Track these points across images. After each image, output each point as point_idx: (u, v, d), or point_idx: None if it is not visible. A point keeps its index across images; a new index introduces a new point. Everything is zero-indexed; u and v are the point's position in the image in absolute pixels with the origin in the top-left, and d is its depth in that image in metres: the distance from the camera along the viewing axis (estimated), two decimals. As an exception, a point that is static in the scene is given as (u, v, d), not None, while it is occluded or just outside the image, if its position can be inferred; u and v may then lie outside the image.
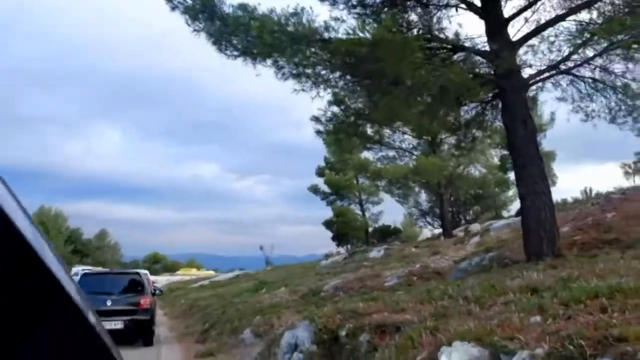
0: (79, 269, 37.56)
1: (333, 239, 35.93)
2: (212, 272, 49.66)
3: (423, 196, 31.60)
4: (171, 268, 56.25)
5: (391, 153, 24.14)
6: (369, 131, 21.19)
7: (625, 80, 11.48)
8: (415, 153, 24.30)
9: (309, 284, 16.66)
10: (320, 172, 34.94)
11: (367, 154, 26.89)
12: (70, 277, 0.80)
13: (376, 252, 21.24)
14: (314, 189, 34.77)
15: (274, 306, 13.73)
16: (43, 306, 0.77)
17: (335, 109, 12.16)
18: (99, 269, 21.96)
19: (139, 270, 16.78)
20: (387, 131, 22.68)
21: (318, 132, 13.24)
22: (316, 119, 12.79)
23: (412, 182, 26.79)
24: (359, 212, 34.93)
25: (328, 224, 35.02)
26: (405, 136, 23.70)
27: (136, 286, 14.01)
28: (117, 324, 12.92)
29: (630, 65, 11.09)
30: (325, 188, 34.54)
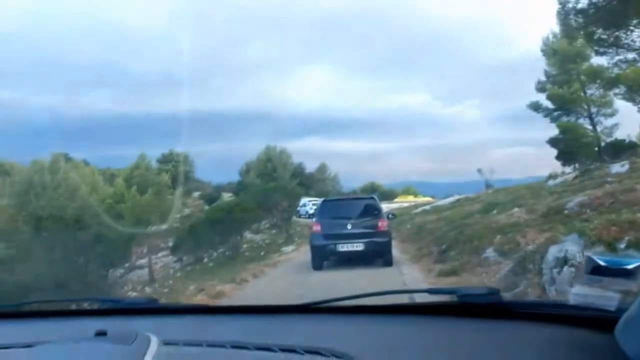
0: (306, 200, 40.77)
1: (558, 157, 33.39)
2: (429, 199, 49.86)
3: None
4: (388, 196, 57.78)
5: (630, 55, 21.21)
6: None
7: None
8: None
9: (546, 203, 15.69)
10: (541, 88, 32.26)
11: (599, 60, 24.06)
12: None
13: (619, 167, 19.21)
14: (535, 106, 32.30)
15: (512, 225, 13.26)
16: None
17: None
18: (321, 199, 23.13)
19: (373, 195, 17.30)
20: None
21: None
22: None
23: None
24: (589, 127, 31.76)
25: (554, 142, 32.49)
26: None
27: (373, 210, 14.44)
28: (358, 246, 13.59)
29: None
30: (547, 104, 31.96)
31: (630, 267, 1.26)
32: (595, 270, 1.30)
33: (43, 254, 18.05)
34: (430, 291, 1.85)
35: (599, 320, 1.31)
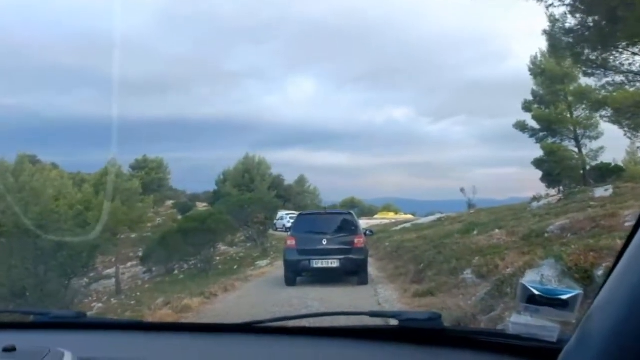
0: (283, 213, 40.04)
1: (542, 179, 33.12)
2: (410, 216, 49.44)
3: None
4: (368, 212, 57.35)
5: (618, 78, 20.87)
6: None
7: None
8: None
9: (528, 226, 15.30)
10: (527, 107, 31.90)
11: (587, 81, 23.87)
12: None
13: (603, 191, 18.92)
14: (521, 126, 31.91)
15: (493, 247, 12.98)
16: None
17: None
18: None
19: (351, 211, 16.85)
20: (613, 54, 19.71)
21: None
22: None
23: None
24: (575, 149, 31.43)
25: (538, 163, 32.17)
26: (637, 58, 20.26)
27: (349, 226, 14.10)
28: (333, 263, 13.24)
29: None
30: (533, 124, 31.60)
31: (564, 297, 1.25)
32: (531, 299, 1.29)
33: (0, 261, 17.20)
34: (372, 314, 1.85)
35: (540, 351, 1.31)
